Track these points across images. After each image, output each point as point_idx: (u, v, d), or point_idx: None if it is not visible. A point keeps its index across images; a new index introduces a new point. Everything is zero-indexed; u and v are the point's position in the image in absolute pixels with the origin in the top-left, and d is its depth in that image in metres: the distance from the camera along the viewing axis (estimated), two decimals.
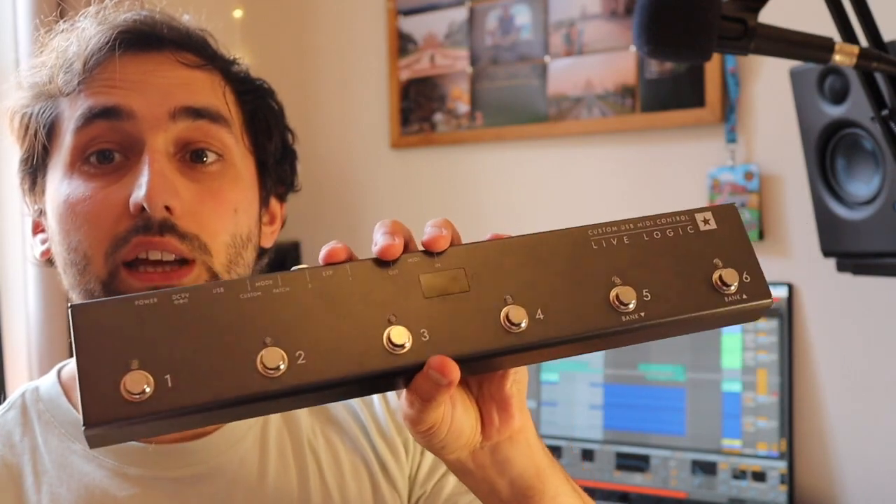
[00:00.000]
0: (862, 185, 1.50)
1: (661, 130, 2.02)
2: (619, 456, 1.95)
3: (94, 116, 0.74)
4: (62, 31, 0.80)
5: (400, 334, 0.52)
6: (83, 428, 0.48)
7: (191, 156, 0.76)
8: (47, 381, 0.81)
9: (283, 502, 0.78)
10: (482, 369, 0.58)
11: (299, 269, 0.54)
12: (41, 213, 0.80)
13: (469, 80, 2.25)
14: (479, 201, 2.25)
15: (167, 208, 0.71)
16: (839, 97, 1.49)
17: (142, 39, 0.77)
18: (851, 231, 1.51)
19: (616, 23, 2.05)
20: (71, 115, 0.75)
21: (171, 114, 0.74)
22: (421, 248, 0.56)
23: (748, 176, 1.89)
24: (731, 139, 1.92)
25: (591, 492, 2.13)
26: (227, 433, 0.78)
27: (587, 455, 1.98)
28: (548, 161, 2.16)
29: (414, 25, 2.31)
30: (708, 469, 1.86)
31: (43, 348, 1.74)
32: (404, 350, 0.52)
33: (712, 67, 1.92)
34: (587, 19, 2.08)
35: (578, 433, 1.99)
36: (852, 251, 1.53)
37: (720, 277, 0.56)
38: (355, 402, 0.85)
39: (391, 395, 0.84)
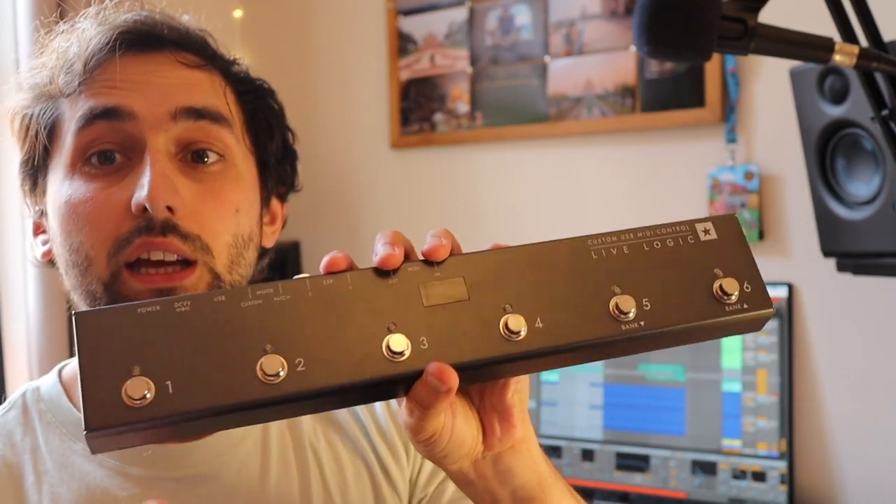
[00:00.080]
0: (862, 185, 1.50)
1: (661, 130, 2.02)
2: (619, 456, 1.95)
3: (95, 117, 0.74)
4: (62, 31, 0.80)
5: (399, 342, 0.52)
6: (85, 433, 0.48)
7: (192, 156, 0.76)
8: (48, 381, 0.81)
9: None
10: (482, 378, 0.58)
11: (300, 277, 0.55)
12: (42, 214, 0.80)
13: (469, 80, 2.25)
14: (479, 201, 2.25)
15: (169, 209, 0.71)
16: (839, 97, 1.49)
17: (142, 40, 0.77)
18: (851, 231, 1.51)
19: (616, 23, 2.05)
20: (72, 115, 0.75)
21: (172, 114, 0.74)
22: (421, 257, 0.56)
23: (748, 176, 1.89)
24: (731, 139, 1.92)
25: (591, 492, 2.11)
26: (228, 434, 0.78)
27: (587, 455, 1.98)
28: (548, 161, 2.16)
29: (414, 25, 2.31)
30: (708, 469, 1.86)
31: (43, 348, 1.74)
32: (403, 358, 0.52)
33: (712, 67, 1.92)
34: (587, 19, 2.08)
35: (578, 433, 1.99)
36: (852, 251, 1.53)
37: (721, 287, 0.56)
38: None
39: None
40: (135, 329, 0.50)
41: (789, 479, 1.80)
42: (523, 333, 0.54)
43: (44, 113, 0.77)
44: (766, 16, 0.74)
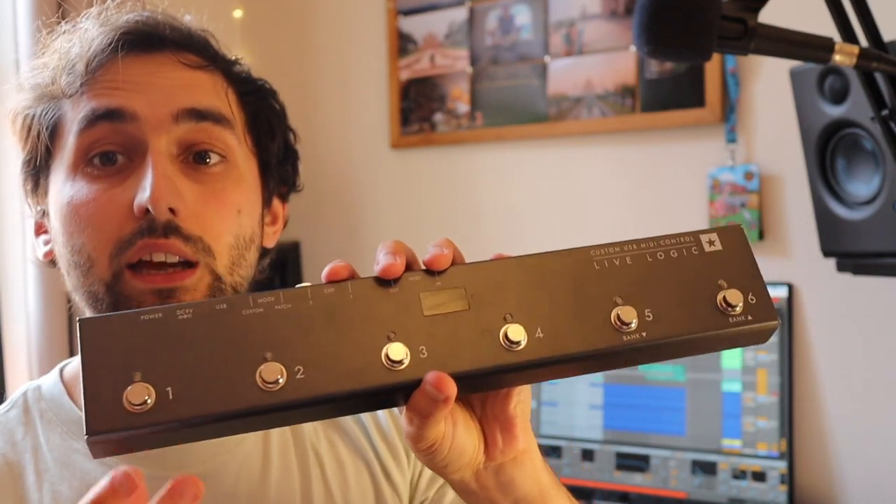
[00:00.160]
0: (862, 185, 1.50)
1: (661, 130, 2.02)
2: (619, 456, 1.95)
3: (97, 118, 0.74)
4: (64, 31, 0.80)
5: (398, 351, 0.53)
6: (85, 437, 0.49)
7: (194, 157, 0.76)
8: (49, 380, 0.81)
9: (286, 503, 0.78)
10: (481, 388, 0.58)
11: (302, 286, 0.55)
12: (44, 214, 0.80)
13: (469, 80, 2.25)
14: (479, 201, 2.25)
15: (171, 210, 0.71)
16: (839, 97, 1.49)
17: (144, 40, 0.77)
18: (851, 231, 1.51)
19: (616, 23, 2.05)
20: (74, 116, 0.75)
21: (174, 115, 0.74)
22: (423, 267, 0.56)
23: (748, 176, 1.89)
24: (731, 139, 1.92)
25: (591, 492, 2.11)
26: None
27: (587, 455, 1.98)
28: (548, 161, 2.16)
29: (414, 25, 2.31)
30: (708, 469, 1.86)
31: (43, 348, 1.74)
32: (402, 366, 0.52)
33: (712, 67, 1.92)
34: (587, 19, 2.09)
35: (578, 433, 1.99)
36: (852, 251, 1.53)
37: (724, 298, 0.55)
38: None
39: None
40: (137, 336, 0.51)
41: (789, 479, 1.80)
42: (523, 343, 0.54)
43: (46, 113, 0.77)
44: (766, 16, 0.75)
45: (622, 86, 2.05)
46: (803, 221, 1.79)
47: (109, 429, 0.49)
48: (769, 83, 1.88)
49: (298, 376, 0.51)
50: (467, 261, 0.58)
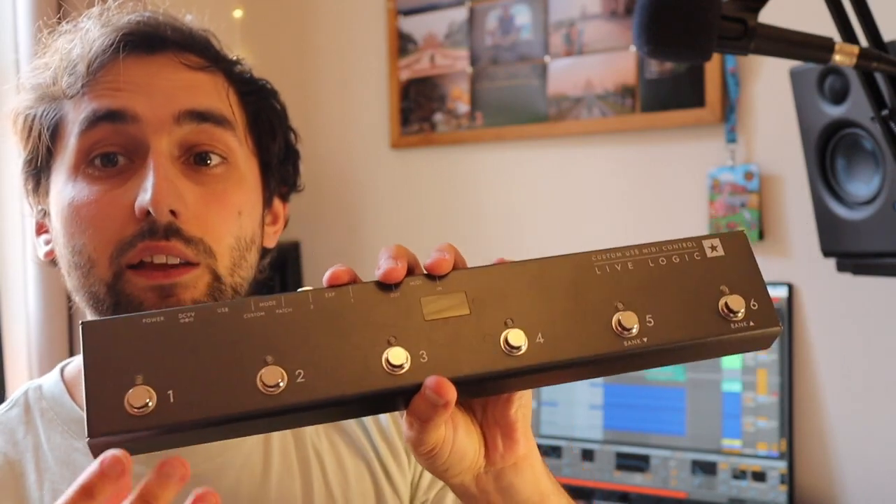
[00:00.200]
0: (862, 185, 1.50)
1: (661, 130, 2.02)
2: (619, 456, 1.95)
3: (98, 119, 0.74)
4: (65, 32, 0.80)
5: (398, 355, 0.53)
6: (87, 439, 0.49)
7: (195, 158, 0.76)
8: (50, 380, 0.81)
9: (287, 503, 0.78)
10: (482, 392, 0.58)
11: (303, 290, 0.55)
12: (45, 214, 0.80)
13: (469, 80, 2.25)
14: (479, 201, 2.25)
15: (172, 212, 0.71)
16: (839, 97, 1.49)
17: (145, 41, 0.77)
18: (851, 231, 1.51)
19: (616, 23, 2.05)
20: (75, 117, 0.75)
21: (176, 117, 0.74)
22: (424, 272, 0.57)
23: (748, 176, 1.89)
24: (731, 139, 1.93)
25: (591, 492, 2.11)
26: None
27: (587, 455, 1.98)
28: (548, 161, 2.16)
29: (414, 25, 2.31)
30: (708, 469, 1.86)
31: (43, 348, 1.74)
32: (402, 371, 0.53)
33: (712, 67, 1.92)
34: (587, 19, 2.09)
35: (578, 433, 1.99)
36: (852, 251, 1.53)
37: (726, 304, 0.55)
38: None
39: None
40: (139, 339, 0.52)
41: (789, 479, 1.80)
42: (524, 348, 0.54)
43: (47, 114, 0.77)
44: (766, 16, 0.75)
45: (622, 86, 2.05)
46: (803, 221, 1.79)
47: (111, 431, 0.49)
48: (769, 83, 1.88)
49: (299, 380, 0.52)
50: (469, 265, 0.58)
